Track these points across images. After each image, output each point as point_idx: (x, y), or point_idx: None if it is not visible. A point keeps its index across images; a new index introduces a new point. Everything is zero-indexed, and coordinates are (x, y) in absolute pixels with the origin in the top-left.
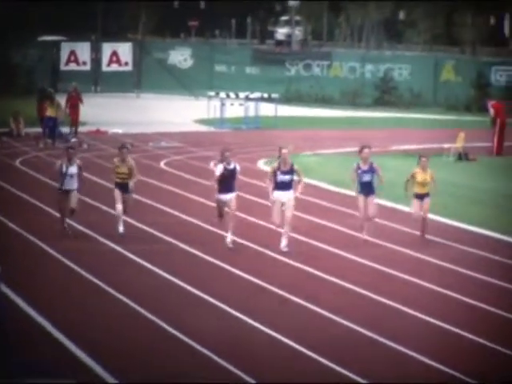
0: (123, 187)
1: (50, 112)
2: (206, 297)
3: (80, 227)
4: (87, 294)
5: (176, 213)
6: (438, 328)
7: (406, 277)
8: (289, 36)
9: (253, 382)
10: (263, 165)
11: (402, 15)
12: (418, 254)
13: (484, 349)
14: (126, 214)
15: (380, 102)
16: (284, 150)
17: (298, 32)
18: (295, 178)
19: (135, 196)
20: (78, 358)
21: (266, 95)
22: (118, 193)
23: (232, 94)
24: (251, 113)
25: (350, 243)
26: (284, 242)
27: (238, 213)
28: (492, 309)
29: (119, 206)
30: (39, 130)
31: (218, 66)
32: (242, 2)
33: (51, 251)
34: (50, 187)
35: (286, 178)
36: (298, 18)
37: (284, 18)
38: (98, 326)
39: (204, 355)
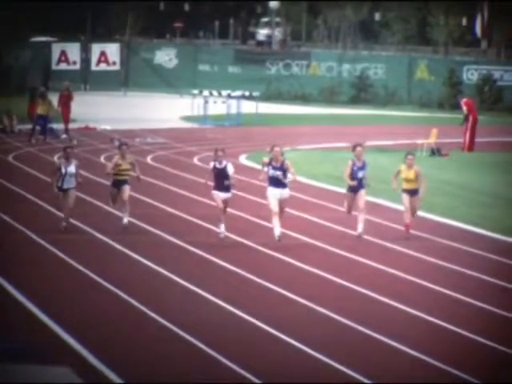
0: (121, 183)
1: (40, 110)
2: (189, 285)
3: (70, 220)
4: (75, 282)
5: (162, 205)
6: (421, 319)
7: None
8: (269, 37)
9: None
10: (245, 160)
11: (377, 17)
12: (390, 244)
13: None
14: (124, 203)
15: (356, 100)
16: (276, 148)
17: (277, 33)
18: (289, 175)
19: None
20: (66, 342)
21: (247, 93)
22: (115, 191)
23: (215, 92)
24: (233, 110)
25: (326, 235)
26: (277, 232)
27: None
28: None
29: (115, 205)
30: (31, 126)
31: (202, 65)
32: (225, 5)
33: (42, 241)
34: (41, 181)
35: (278, 173)
36: (277, 19)
37: (264, 19)
38: (86, 311)
39: (185, 339)
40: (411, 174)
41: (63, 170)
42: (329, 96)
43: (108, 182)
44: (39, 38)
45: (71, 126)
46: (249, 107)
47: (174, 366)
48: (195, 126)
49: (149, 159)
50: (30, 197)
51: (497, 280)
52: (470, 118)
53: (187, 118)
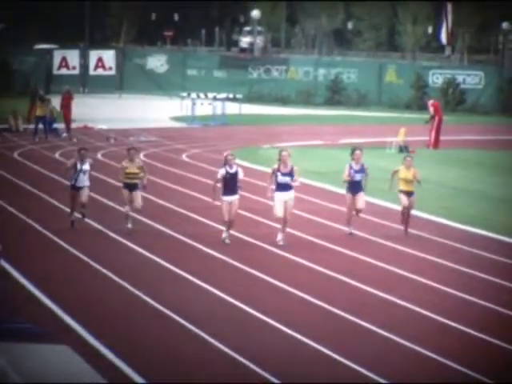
0: (131, 187)
1: (40, 111)
2: (180, 272)
3: (69, 211)
4: (75, 267)
5: (153, 198)
6: (418, 313)
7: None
8: (251, 44)
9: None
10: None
11: (350, 26)
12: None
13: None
14: (138, 212)
15: (331, 102)
16: (284, 153)
17: (259, 41)
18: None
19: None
20: (66, 323)
21: (231, 95)
22: (126, 193)
23: (202, 95)
24: (218, 111)
25: (308, 226)
26: (280, 236)
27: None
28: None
29: (127, 207)
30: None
31: (190, 70)
32: (211, 15)
33: (44, 231)
34: (42, 175)
35: (287, 179)
36: (259, 28)
37: (247, 28)
38: (86, 295)
39: (175, 321)
40: (410, 175)
41: (78, 168)
42: (305, 98)
43: (106, 178)
44: (42, 46)
45: (72, 125)
46: (233, 108)
47: (164, 342)
48: (184, 125)
49: (142, 156)
50: (32, 190)
51: (464, 267)
52: (436, 118)
53: (176, 118)
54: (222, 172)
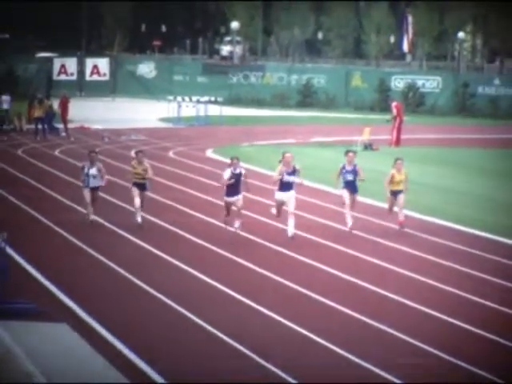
0: (140, 185)
1: (39, 113)
2: (172, 260)
3: (68, 203)
4: (73, 254)
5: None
6: (413, 309)
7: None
8: (231, 52)
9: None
10: (211, 153)
11: (320, 36)
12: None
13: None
14: (142, 209)
15: (302, 104)
16: (287, 154)
17: (238, 49)
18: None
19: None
20: (63, 303)
21: (213, 99)
22: (135, 190)
23: (187, 98)
24: (202, 113)
25: (284, 218)
26: (291, 230)
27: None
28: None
29: (137, 201)
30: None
31: (176, 76)
32: (195, 27)
33: (45, 220)
34: (42, 170)
35: (291, 178)
36: (238, 38)
37: (227, 38)
38: (86, 282)
39: (166, 305)
40: (402, 177)
41: (86, 172)
42: (280, 101)
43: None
44: (43, 54)
45: (70, 125)
46: (214, 110)
47: (149, 320)
48: (170, 125)
49: (132, 153)
50: (34, 183)
51: (422, 253)
52: (398, 119)
53: (164, 119)
54: (227, 173)
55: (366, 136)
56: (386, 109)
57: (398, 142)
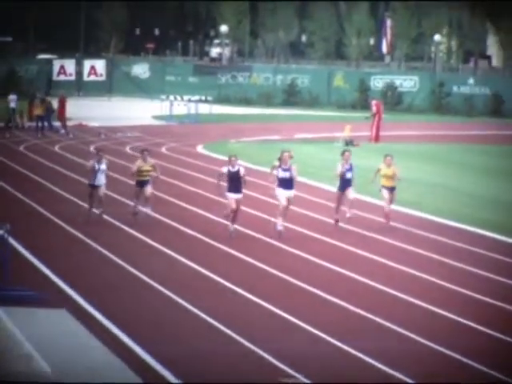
0: (143, 183)
1: (38, 111)
2: (165, 249)
3: (66, 195)
4: (72, 244)
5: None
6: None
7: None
8: (220, 54)
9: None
10: (201, 149)
11: (303, 38)
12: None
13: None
14: (147, 199)
15: (287, 103)
16: (285, 153)
17: (226, 51)
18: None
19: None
20: (63, 290)
21: (203, 98)
22: (138, 190)
23: (178, 97)
24: (192, 111)
25: (268, 208)
26: (280, 223)
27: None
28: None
29: (138, 202)
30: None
31: (168, 76)
32: (186, 30)
33: (45, 212)
34: (43, 165)
35: (287, 174)
36: (226, 41)
37: (217, 41)
38: (80, 266)
39: (166, 296)
40: (390, 172)
41: (96, 168)
42: (266, 100)
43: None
44: (43, 56)
45: (69, 123)
46: (204, 109)
47: (153, 309)
48: (163, 123)
49: (127, 149)
50: (35, 177)
51: (408, 246)
52: (377, 116)
53: (157, 117)
54: (224, 169)
55: (346, 133)
56: (366, 107)
57: (377, 138)
